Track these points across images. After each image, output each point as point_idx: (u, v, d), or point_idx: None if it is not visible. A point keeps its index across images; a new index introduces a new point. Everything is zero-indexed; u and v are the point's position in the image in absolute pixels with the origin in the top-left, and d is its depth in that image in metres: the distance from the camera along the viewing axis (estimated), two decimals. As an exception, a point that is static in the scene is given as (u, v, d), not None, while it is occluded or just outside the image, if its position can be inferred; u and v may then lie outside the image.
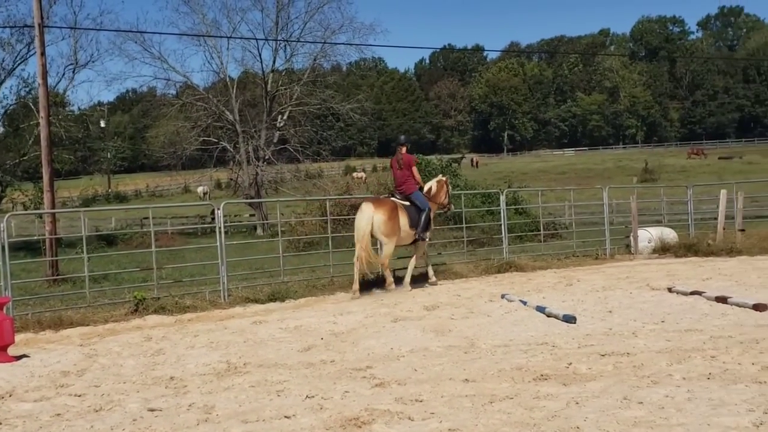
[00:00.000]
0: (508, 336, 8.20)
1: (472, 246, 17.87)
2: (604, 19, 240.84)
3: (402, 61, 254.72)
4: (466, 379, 6.31)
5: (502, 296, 11.19)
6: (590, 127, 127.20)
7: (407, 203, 13.16)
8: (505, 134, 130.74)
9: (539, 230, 19.40)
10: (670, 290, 11.05)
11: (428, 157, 32.73)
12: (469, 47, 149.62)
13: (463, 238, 17.07)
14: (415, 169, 13.41)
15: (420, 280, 13.57)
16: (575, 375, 6.28)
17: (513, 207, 22.68)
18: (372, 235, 12.63)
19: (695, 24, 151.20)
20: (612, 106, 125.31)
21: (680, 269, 14.26)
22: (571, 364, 6.65)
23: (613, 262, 16.86)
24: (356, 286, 12.49)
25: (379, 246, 13.37)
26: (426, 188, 13.85)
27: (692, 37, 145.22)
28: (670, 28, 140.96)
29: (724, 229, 17.67)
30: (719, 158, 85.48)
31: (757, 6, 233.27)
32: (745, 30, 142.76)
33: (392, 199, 13.29)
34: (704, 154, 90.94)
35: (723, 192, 18.37)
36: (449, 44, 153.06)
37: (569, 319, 8.77)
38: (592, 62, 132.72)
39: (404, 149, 13.54)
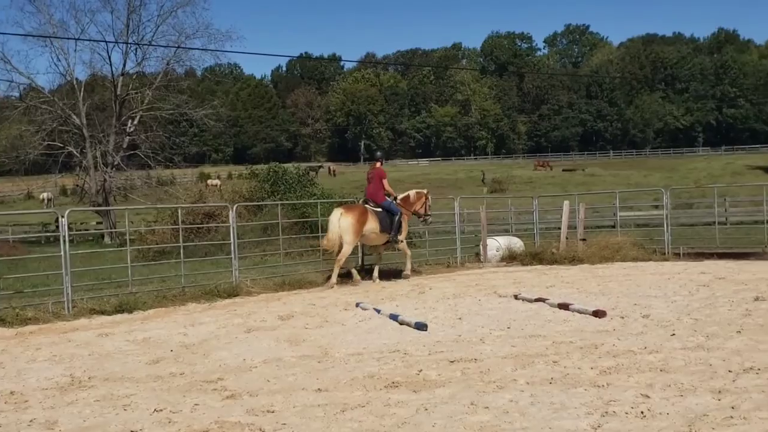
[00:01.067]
0: (362, 344, 8.25)
1: (328, 255, 17.91)
2: (457, 34, 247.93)
3: (258, 67, 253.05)
4: (319, 389, 6.30)
5: (357, 305, 11.27)
6: (444, 139, 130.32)
7: (379, 209, 14.69)
8: (362, 144, 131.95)
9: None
10: (516, 297, 11.46)
11: (285, 165, 32.50)
12: (326, 56, 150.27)
13: (318, 247, 17.07)
14: (385, 182, 15.01)
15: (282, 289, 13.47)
16: (425, 381, 6.39)
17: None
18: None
19: (542, 41, 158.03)
20: (464, 118, 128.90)
21: (526, 277, 14.83)
22: (421, 371, 6.76)
23: (463, 270, 17.33)
24: (334, 279, 14.06)
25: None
26: (403, 196, 15.74)
27: (539, 53, 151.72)
28: (519, 44, 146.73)
29: (567, 238, 18.51)
30: (563, 170, 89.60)
31: (600, 25, 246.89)
32: (588, 48, 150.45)
33: (364, 205, 14.83)
34: (550, 166, 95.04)
35: (566, 203, 19.26)
36: (306, 52, 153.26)
37: (421, 327, 8.93)
38: (445, 75, 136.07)
39: (378, 164, 15.59)
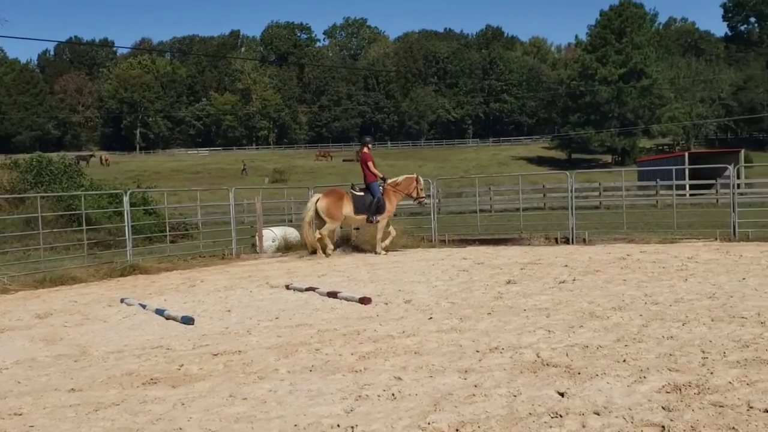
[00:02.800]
0: (123, 341, 7.99)
1: (96, 249, 17.16)
2: (235, 22, 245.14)
3: (24, 51, 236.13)
4: (73, 389, 6.04)
5: (121, 300, 10.89)
6: (224, 128, 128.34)
7: (360, 194, 16.82)
8: (138, 132, 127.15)
9: (167, 231, 19.20)
10: (287, 287, 11.55)
11: (50, 155, 30.65)
12: (98, 41, 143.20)
13: (83, 240, 16.30)
14: (370, 164, 16.95)
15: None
16: (185, 376, 6.31)
17: (142, 208, 22.18)
18: (319, 217, 16.51)
19: (322, 32, 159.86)
20: (245, 107, 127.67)
21: (300, 267, 15.00)
22: (183, 365, 6.66)
23: (239, 261, 17.22)
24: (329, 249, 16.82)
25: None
26: (392, 180, 17.47)
27: (319, 44, 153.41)
28: (298, 34, 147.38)
29: (341, 228, 18.89)
30: (344, 160, 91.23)
31: (378, 19, 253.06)
32: (367, 41, 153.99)
33: (339, 190, 17.20)
34: (331, 156, 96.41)
35: (340, 193, 19.65)
36: (76, 36, 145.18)
37: (187, 321, 8.79)
38: (224, 63, 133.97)
39: (365, 148, 17.53)
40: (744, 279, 10.11)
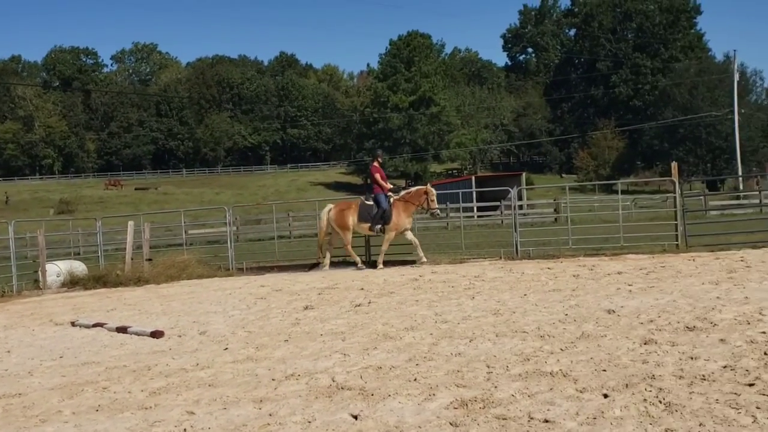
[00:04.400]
0: None
1: None
2: (16, 46, 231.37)
3: None
4: None
5: None
6: (6, 157, 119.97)
7: (369, 203, 17.32)
8: None
9: (-64, 270, 17.66)
10: (73, 324, 10.96)
11: None
12: None
13: None
14: (377, 177, 17.37)
15: None
16: (-46, 428, 5.79)
17: None
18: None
19: (109, 57, 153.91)
20: (27, 135, 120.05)
21: (88, 302, 14.27)
22: (-49, 416, 6.12)
23: (20, 299, 16.13)
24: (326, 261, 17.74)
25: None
26: (403, 193, 17.92)
27: (106, 69, 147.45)
28: (84, 59, 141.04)
29: (132, 259, 18.20)
30: (136, 189, 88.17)
31: (169, 45, 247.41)
32: (158, 66, 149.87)
33: (348, 201, 18.32)
34: (121, 185, 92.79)
35: (130, 223, 18.95)
36: None
37: (-41, 366, 8.10)
38: (3, 89, 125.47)
39: (375, 162, 17.96)
40: (526, 295, 10.72)
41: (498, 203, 33.64)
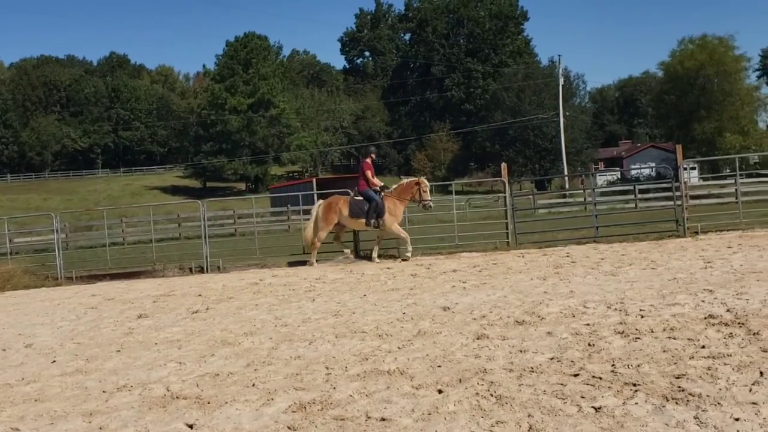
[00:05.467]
0: None
1: None
2: None
3: None
4: None
5: None
6: None
7: (359, 198, 17.01)
8: None
9: None
10: None
11: None
12: None
13: None
14: (368, 173, 17.05)
15: None
16: None
17: None
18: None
19: None
20: None
21: None
22: None
23: None
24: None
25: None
26: (395, 186, 17.66)
27: None
28: None
29: (-51, 270, 17.02)
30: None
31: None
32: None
33: (338, 196, 17.79)
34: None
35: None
36: None
37: None
38: None
39: (368, 158, 17.75)
40: (365, 295, 10.85)
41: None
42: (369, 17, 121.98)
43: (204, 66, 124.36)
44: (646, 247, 15.02)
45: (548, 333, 6.98)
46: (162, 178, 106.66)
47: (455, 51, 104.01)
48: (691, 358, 5.60)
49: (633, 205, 31.05)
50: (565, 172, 64.98)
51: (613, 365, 5.58)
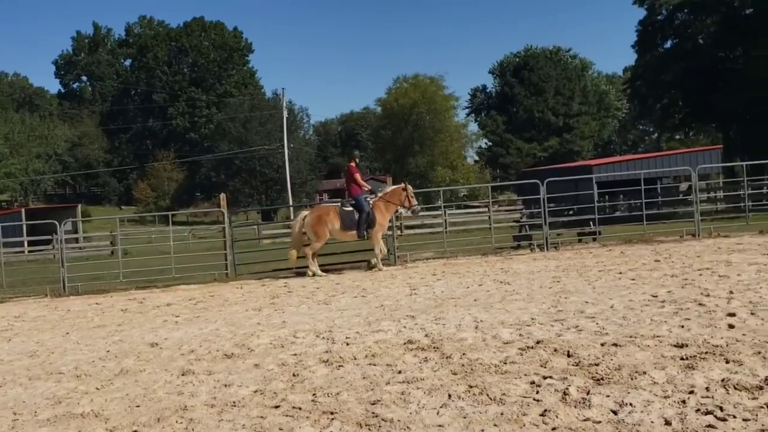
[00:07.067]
0: None
1: None
2: None
3: None
4: None
5: None
6: None
7: (348, 209, 16.43)
8: None
9: None
10: None
11: None
12: None
13: None
14: (357, 176, 16.60)
15: None
16: None
17: None
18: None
19: None
20: None
21: None
22: None
23: None
24: (314, 268, 16.49)
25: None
26: (382, 192, 17.27)
27: None
28: None
29: None
30: None
31: None
32: None
33: (327, 206, 17.84)
34: None
35: None
36: None
37: None
38: None
39: (353, 162, 17.12)
40: (68, 334, 10.20)
41: (50, 237, 31.70)
42: (87, 41, 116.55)
43: None
44: (360, 276, 15.57)
45: (255, 365, 6.96)
46: None
47: (178, 79, 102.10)
48: (388, 383, 5.82)
49: (352, 235, 32.08)
50: (291, 203, 65.94)
51: (314, 394, 5.66)
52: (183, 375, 6.80)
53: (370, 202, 16.86)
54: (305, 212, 17.14)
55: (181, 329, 9.70)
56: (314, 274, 16.26)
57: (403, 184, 17.67)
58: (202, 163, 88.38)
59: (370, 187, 17.87)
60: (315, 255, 16.65)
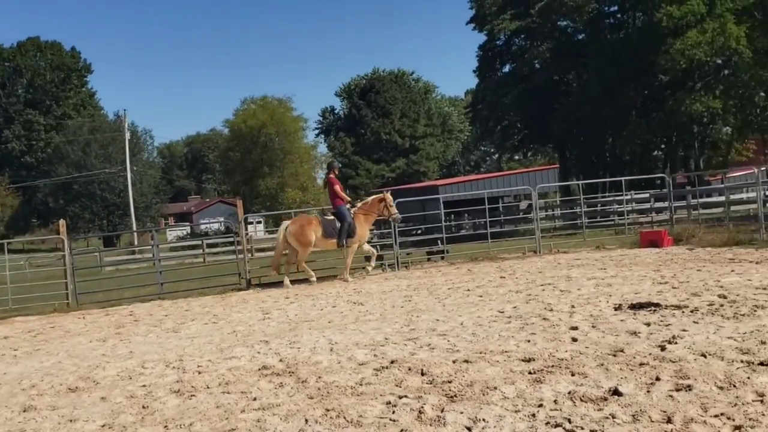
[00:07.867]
0: None
1: None
2: None
3: None
4: None
5: None
6: None
7: (330, 218, 16.86)
8: None
9: None
10: None
11: None
12: None
13: None
14: (336, 188, 16.88)
15: None
16: None
17: None
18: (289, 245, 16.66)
19: None
20: None
21: None
22: None
23: None
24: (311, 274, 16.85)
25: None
26: (362, 203, 17.78)
27: None
28: None
29: None
30: None
31: None
32: None
33: (307, 215, 18.64)
34: None
35: None
36: None
37: None
38: None
39: (332, 173, 17.39)
40: None
41: None
42: None
43: None
44: (210, 302, 15.22)
45: (102, 398, 6.67)
46: None
47: (13, 101, 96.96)
48: (243, 411, 5.72)
49: (202, 260, 31.47)
50: (134, 228, 63.83)
51: (165, 426, 5.49)
52: (25, 411, 6.42)
53: (352, 212, 17.10)
54: (287, 222, 17.23)
55: (20, 363, 9.17)
56: (311, 280, 16.74)
57: (381, 194, 17.94)
58: (38, 188, 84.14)
59: (350, 199, 17.90)
60: (300, 263, 16.89)
